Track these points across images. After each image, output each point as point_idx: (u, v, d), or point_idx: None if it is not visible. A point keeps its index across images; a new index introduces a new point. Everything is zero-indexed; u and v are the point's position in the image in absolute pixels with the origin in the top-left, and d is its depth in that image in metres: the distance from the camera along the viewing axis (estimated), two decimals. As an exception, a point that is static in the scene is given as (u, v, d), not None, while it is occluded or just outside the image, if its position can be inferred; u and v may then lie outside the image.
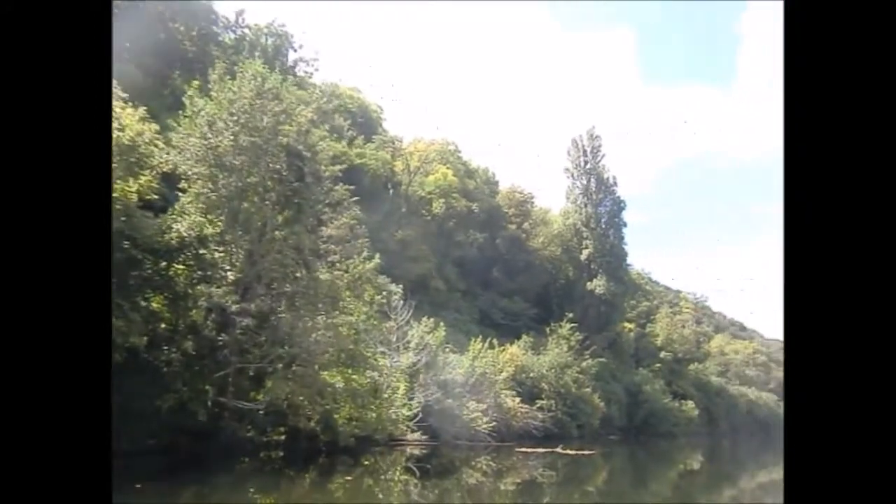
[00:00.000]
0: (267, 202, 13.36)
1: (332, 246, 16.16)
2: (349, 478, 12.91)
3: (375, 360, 17.91)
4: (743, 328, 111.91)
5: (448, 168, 41.76)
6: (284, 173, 13.31)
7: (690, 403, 48.46)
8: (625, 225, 48.33)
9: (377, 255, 18.20)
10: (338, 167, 16.86)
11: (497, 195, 48.21)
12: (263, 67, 13.68)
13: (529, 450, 20.55)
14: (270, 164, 13.20)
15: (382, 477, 14.35)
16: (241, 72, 13.09)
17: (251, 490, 10.70)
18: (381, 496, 11.58)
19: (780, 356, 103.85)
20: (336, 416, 15.51)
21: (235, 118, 12.59)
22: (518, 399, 25.57)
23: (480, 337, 25.42)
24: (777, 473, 18.19)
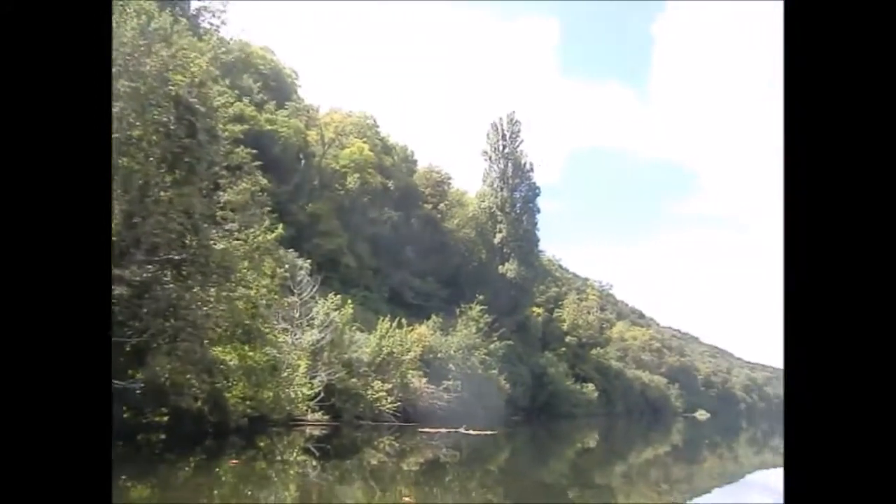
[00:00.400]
0: (151, 158, 12.04)
1: (230, 213, 14.98)
2: (236, 461, 12.13)
3: (275, 336, 17.04)
4: (642, 316, 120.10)
5: (365, 142, 40.68)
6: (173, 127, 12.03)
7: (591, 386, 51.34)
8: (538, 211, 49.82)
9: (281, 226, 17.22)
10: (239, 127, 15.67)
11: (414, 174, 47.80)
12: (151, 4, 12.25)
13: (433, 430, 20.60)
14: (157, 116, 11.88)
15: (278, 458, 13.68)
16: (123, 5, 11.63)
17: (123, 477, 9.70)
18: (275, 478, 10.97)
19: (673, 343, 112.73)
20: (227, 395, 14.57)
21: (113, 58, 11.17)
22: (425, 379, 25.58)
23: (389, 316, 25.10)
24: (661, 449, 19.48)
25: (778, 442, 26.58)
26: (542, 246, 54.61)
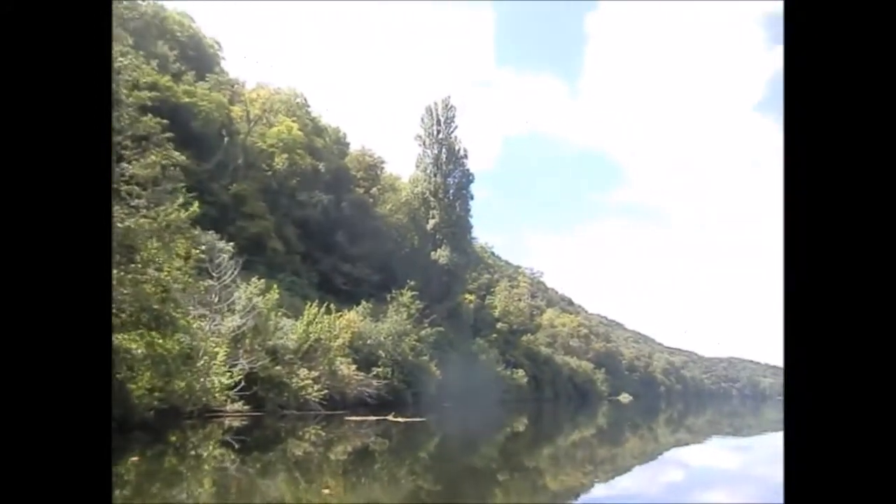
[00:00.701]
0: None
1: (136, 188, 13.69)
2: (135, 459, 11.15)
3: (188, 322, 15.89)
4: (571, 303, 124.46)
5: (294, 121, 39.11)
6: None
7: (521, 372, 52.48)
8: (472, 198, 49.85)
9: (196, 204, 16.01)
10: (148, 94, 14.34)
11: (346, 157, 46.60)
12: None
13: (360, 418, 20.12)
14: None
15: (192, 452, 12.76)
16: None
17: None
18: (187, 474, 10.13)
19: (600, 329, 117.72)
20: (131, 386, 13.40)
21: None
22: (354, 366, 24.96)
23: (318, 302, 24.27)
24: (587, 431, 20.04)
25: (692, 421, 28.13)
26: (474, 233, 55.01)
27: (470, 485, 8.21)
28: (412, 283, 35.55)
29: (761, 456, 12.77)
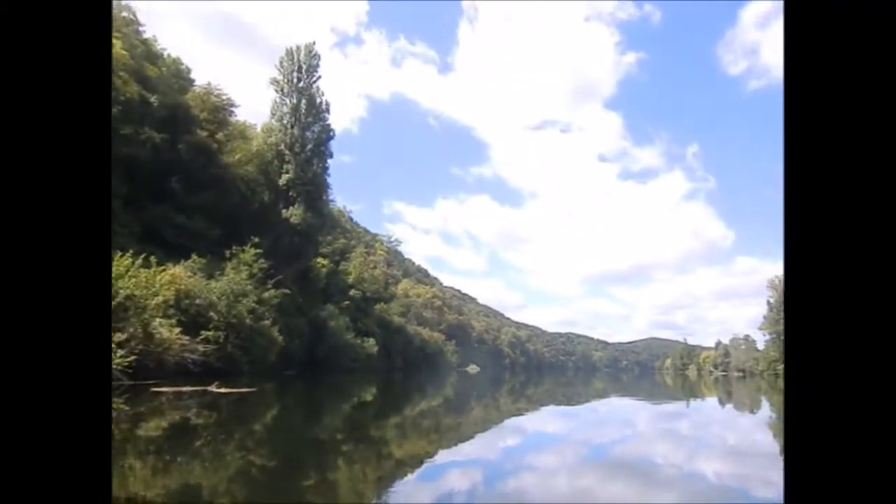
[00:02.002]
0: None
1: None
2: None
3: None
4: (427, 275, 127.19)
5: (118, 38, 33.30)
6: None
7: (372, 340, 51.85)
8: (331, 156, 46.83)
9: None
10: None
11: (188, 93, 41.19)
12: None
13: (172, 389, 17.59)
14: None
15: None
16: None
17: None
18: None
19: (454, 302, 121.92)
20: None
21: None
22: (178, 329, 21.92)
23: (137, 254, 20.81)
24: (434, 401, 19.85)
25: (532, 391, 29.45)
26: (333, 195, 52.47)
27: (311, 457, 7.52)
28: (256, 239, 32.55)
29: (586, 422, 13.76)
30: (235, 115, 44.17)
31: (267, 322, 30.34)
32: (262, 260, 31.87)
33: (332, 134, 46.50)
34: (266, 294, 31.35)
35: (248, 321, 27.59)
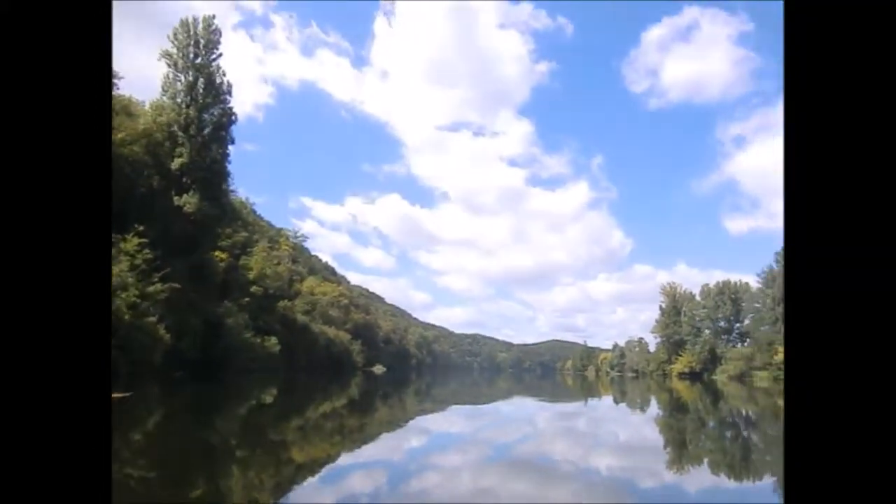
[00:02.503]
0: None
1: None
2: None
3: None
4: (334, 273, 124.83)
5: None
6: None
7: (273, 339, 49.99)
8: (232, 142, 44.24)
9: None
10: None
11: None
12: None
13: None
14: None
15: None
16: None
17: None
18: None
19: (360, 301, 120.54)
20: None
21: None
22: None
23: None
24: (338, 402, 19.59)
25: (438, 391, 29.81)
26: (234, 185, 49.97)
27: (199, 466, 7.14)
28: (141, 228, 30.26)
29: (489, 422, 14.16)
30: (118, 89, 40.80)
31: (152, 319, 28.20)
32: (146, 250, 29.64)
33: (233, 118, 43.99)
34: (151, 288, 29.11)
35: (127, 317, 25.50)
